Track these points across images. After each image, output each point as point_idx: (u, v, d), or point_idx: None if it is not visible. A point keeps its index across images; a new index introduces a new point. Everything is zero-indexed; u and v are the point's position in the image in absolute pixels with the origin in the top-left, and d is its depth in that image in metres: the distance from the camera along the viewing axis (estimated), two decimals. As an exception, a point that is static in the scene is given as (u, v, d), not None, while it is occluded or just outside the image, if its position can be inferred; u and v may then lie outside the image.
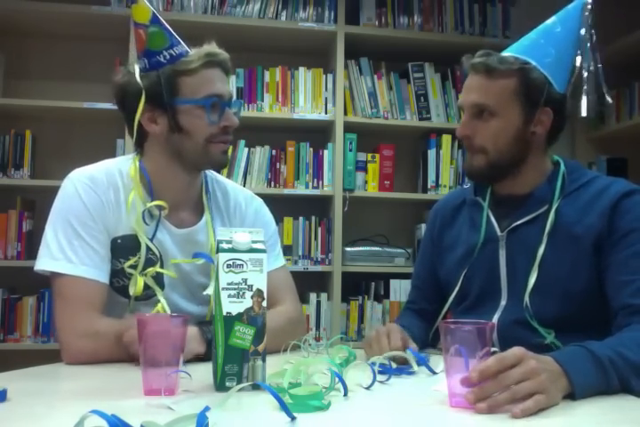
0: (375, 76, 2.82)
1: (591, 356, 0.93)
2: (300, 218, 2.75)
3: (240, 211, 1.41)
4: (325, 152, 2.75)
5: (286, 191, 2.71)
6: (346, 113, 2.75)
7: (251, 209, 1.43)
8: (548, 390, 0.84)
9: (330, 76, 2.77)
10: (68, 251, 1.19)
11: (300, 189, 2.72)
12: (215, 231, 1.32)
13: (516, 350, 0.87)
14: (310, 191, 2.73)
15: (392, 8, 2.84)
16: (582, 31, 1.23)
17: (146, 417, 0.69)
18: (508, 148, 1.22)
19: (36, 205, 2.71)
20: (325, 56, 2.89)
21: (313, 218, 2.77)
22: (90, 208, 1.22)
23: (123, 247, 1.25)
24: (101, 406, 0.67)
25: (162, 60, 1.22)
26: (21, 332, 2.55)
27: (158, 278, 1.28)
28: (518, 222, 1.24)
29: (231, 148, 2.70)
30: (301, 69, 2.77)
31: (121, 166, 1.30)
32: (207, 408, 0.71)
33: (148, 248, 1.25)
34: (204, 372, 0.96)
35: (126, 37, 2.57)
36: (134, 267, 1.24)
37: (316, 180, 2.75)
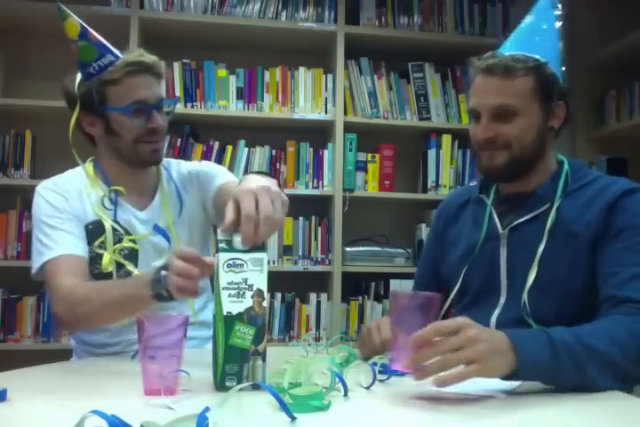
0: (375, 76, 2.82)
1: (546, 338, 0.93)
2: (300, 218, 2.74)
3: (196, 173, 1.52)
4: (325, 152, 2.75)
5: (286, 191, 2.67)
6: (346, 113, 2.75)
7: (201, 168, 1.53)
8: (484, 360, 0.84)
9: (330, 76, 2.77)
10: (47, 242, 1.32)
11: (300, 189, 2.72)
12: (169, 205, 1.47)
13: (460, 319, 0.88)
14: (310, 191, 2.73)
15: (392, 8, 2.84)
16: (558, 24, 1.26)
17: (146, 417, 0.69)
18: (531, 144, 1.23)
19: (36, 205, 2.71)
20: (325, 56, 2.89)
21: (313, 218, 2.77)
22: (54, 204, 1.37)
23: (94, 231, 1.37)
24: (101, 406, 0.67)
25: (92, 71, 1.33)
26: (21, 332, 2.54)
27: (132, 256, 1.39)
28: (520, 220, 1.25)
29: (230, 148, 2.71)
30: (301, 69, 2.77)
31: (79, 170, 1.47)
32: (207, 408, 0.71)
33: (116, 229, 1.38)
34: (204, 372, 0.96)
35: (126, 37, 2.57)
36: (105, 248, 1.36)
37: (315, 180, 2.75)
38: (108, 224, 1.37)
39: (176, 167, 1.55)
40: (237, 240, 0.92)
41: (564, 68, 1.26)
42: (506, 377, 0.90)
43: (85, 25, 1.32)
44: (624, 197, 1.17)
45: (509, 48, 1.25)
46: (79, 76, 1.37)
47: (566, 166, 1.26)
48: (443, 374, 0.84)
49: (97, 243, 1.36)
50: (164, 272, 1.07)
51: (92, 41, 1.31)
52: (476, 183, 1.40)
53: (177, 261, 1.03)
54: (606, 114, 2.99)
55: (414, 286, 1.50)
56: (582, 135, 3.07)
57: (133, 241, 1.40)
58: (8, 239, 2.56)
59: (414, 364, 0.86)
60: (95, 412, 0.66)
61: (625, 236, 1.15)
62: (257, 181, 0.98)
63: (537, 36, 1.25)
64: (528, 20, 1.28)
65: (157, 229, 1.43)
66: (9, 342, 2.53)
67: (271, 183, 1.00)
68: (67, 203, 1.38)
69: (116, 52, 1.35)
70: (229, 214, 0.92)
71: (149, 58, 1.37)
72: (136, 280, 1.22)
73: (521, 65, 1.19)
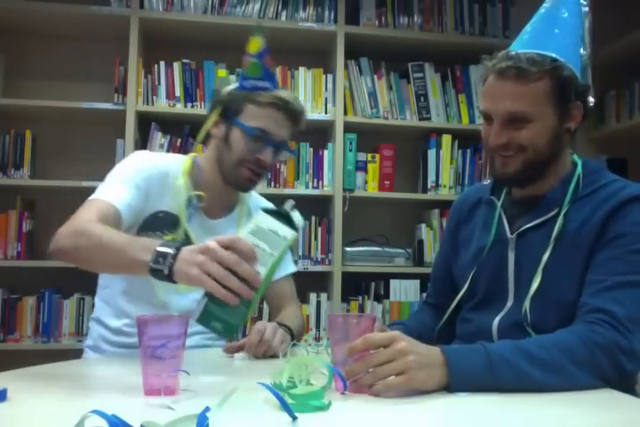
0: (375, 76, 2.82)
1: (482, 350, 0.94)
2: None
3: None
4: (325, 152, 2.75)
5: (286, 191, 2.71)
6: (346, 113, 2.75)
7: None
8: (412, 371, 0.87)
9: (330, 76, 2.77)
10: (107, 188, 1.33)
11: (300, 189, 2.72)
12: (242, 226, 1.49)
13: (392, 333, 0.92)
14: (310, 191, 2.73)
15: (392, 8, 2.84)
16: (585, 9, 1.19)
17: (146, 417, 0.69)
18: (545, 148, 1.17)
19: (36, 205, 2.71)
20: (325, 56, 2.89)
21: (313, 218, 2.77)
22: (141, 172, 1.38)
23: (163, 221, 1.40)
24: (101, 406, 0.67)
25: (247, 86, 1.43)
26: (21, 332, 2.54)
27: None
28: (527, 226, 1.21)
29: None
30: (301, 69, 2.77)
31: (179, 159, 1.50)
32: (207, 408, 0.71)
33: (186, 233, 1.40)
34: (204, 372, 0.96)
35: (126, 37, 2.57)
36: None
37: (315, 180, 2.75)
38: (184, 225, 1.40)
39: (255, 201, 1.62)
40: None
41: (585, 63, 1.19)
42: (444, 390, 0.91)
43: (266, 49, 1.42)
44: (628, 204, 1.12)
45: (526, 43, 1.17)
46: (235, 85, 1.47)
47: (579, 169, 1.21)
48: (376, 385, 0.89)
49: (168, 237, 1.37)
50: (172, 251, 0.96)
51: (263, 63, 1.42)
52: (489, 181, 1.35)
53: (217, 245, 0.93)
54: (606, 114, 2.99)
55: (430, 282, 1.48)
56: (582, 135, 3.07)
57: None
58: (8, 239, 2.56)
59: (350, 377, 0.90)
60: (95, 412, 0.66)
61: (619, 243, 1.10)
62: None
63: (556, 28, 1.16)
64: (549, 4, 1.20)
65: None
66: (9, 342, 2.53)
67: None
68: (150, 181, 1.39)
69: (275, 84, 1.45)
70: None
71: (299, 105, 1.46)
72: (144, 243, 1.04)
73: (536, 68, 1.12)
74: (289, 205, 0.97)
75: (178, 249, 0.97)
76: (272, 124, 1.42)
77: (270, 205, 1.62)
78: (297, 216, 0.96)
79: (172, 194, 1.41)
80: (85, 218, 1.21)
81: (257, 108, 1.41)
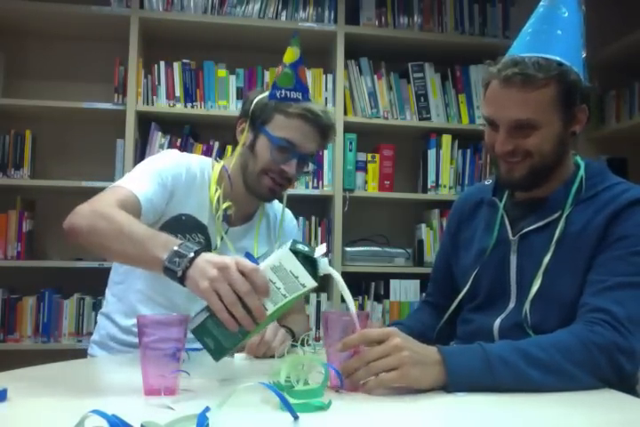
0: (375, 76, 2.82)
1: (480, 350, 0.95)
2: (300, 218, 2.74)
3: (279, 220, 1.59)
4: (325, 152, 2.75)
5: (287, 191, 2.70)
6: (346, 113, 2.75)
7: (287, 219, 1.63)
8: (405, 367, 0.88)
9: (330, 76, 2.77)
10: (132, 179, 1.32)
11: (300, 189, 2.72)
12: (259, 234, 1.52)
13: (386, 329, 0.92)
14: (310, 191, 2.73)
15: (392, 8, 2.84)
16: (583, 8, 1.18)
17: (146, 417, 0.69)
18: (552, 153, 1.16)
19: (36, 205, 2.71)
20: (325, 56, 2.89)
21: (313, 218, 2.77)
22: (170, 170, 1.38)
23: (184, 224, 1.39)
24: (101, 406, 0.67)
25: (277, 95, 1.41)
26: (21, 332, 2.54)
27: None
28: (529, 228, 1.21)
29: (230, 148, 2.70)
30: (301, 69, 2.76)
31: (208, 162, 1.49)
32: (207, 408, 0.71)
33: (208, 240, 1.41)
34: (204, 372, 0.96)
35: (126, 37, 2.57)
36: None
37: (315, 180, 2.74)
38: (218, 239, 1.41)
39: (276, 209, 1.61)
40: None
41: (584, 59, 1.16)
42: (442, 389, 0.92)
43: (301, 59, 1.42)
44: (630, 206, 1.12)
45: (529, 45, 1.15)
46: (266, 93, 1.45)
47: (581, 172, 1.20)
48: (369, 382, 0.89)
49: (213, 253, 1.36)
50: (189, 253, 0.94)
51: (296, 74, 1.41)
52: (490, 182, 1.34)
53: (236, 268, 0.91)
54: (606, 114, 2.99)
55: (430, 281, 1.48)
56: (582, 135, 3.04)
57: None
58: (8, 239, 2.56)
59: (344, 373, 0.91)
60: (95, 412, 0.66)
61: (622, 244, 1.10)
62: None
63: (558, 29, 1.14)
64: (545, 2, 1.16)
65: (249, 257, 1.38)
66: (9, 342, 2.53)
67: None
68: (178, 180, 1.38)
69: (307, 95, 1.43)
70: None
71: (329, 119, 1.44)
72: (164, 240, 1.01)
73: (542, 74, 1.09)
74: (319, 251, 0.94)
75: (196, 253, 0.95)
76: (299, 135, 1.40)
77: (296, 232, 1.63)
78: (324, 264, 0.95)
79: (199, 199, 1.41)
80: (107, 201, 1.19)
81: (285, 118, 1.40)
